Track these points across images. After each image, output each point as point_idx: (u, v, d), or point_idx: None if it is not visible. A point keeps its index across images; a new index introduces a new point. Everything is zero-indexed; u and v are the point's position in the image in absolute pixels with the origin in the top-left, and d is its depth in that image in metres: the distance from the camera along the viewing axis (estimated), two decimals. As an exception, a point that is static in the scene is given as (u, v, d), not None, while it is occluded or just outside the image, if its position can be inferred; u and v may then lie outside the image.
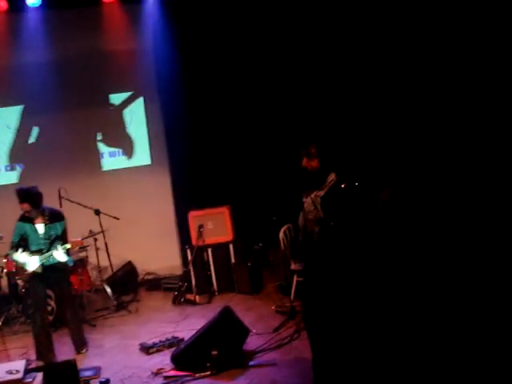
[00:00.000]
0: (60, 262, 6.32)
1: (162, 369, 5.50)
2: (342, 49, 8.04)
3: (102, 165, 9.85)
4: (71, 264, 6.66)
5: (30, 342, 7.04)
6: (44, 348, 6.23)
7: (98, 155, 9.82)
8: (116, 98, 9.88)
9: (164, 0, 9.29)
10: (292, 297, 7.08)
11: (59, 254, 6.23)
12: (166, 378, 5.38)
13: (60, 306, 6.76)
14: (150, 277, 9.56)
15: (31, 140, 9.59)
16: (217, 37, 8.99)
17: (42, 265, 6.27)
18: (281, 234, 7.23)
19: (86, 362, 6.03)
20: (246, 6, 8.70)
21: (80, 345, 6.57)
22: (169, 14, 9.28)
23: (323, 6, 8.05)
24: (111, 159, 9.92)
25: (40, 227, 6.36)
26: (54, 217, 6.41)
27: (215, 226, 8.31)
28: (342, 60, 8.05)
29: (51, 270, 6.32)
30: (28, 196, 6.25)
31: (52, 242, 6.30)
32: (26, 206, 6.25)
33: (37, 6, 8.95)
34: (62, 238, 6.38)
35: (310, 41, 8.35)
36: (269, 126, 8.71)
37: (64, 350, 6.55)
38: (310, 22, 8.24)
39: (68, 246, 6.27)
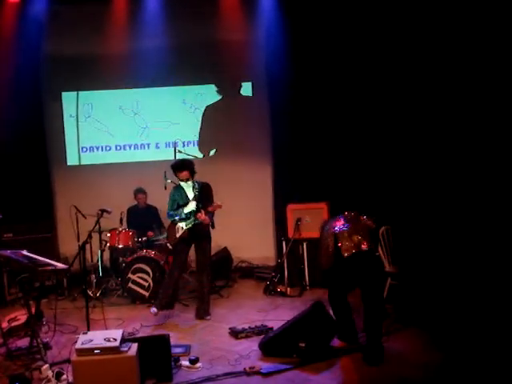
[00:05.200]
0: (201, 230, 7.06)
1: (253, 367, 5.37)
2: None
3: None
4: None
5: (125, 315, 7.39)
6: (167, 298, 7.10)
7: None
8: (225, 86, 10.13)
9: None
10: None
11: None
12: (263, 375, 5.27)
13: (198, 271, 7.26)
14: (243, 265, 9.74)
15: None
16: (327, 33, 8.96)
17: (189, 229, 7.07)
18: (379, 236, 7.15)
19: (178, 340, 6.20)
20: (359, 5, 8.63)
21: (203, 312, 7.09)
22: (283, 8, 9.35)
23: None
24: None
25: (190, 195, 7.13)
26: (202, 187, 7.18)
27: (313, 220, 8.27)
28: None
29: (196, 236, 7.10)
30: (189, 165, 7.09)
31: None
32: (186, 174, 7.02)
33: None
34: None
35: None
36: (373, 122, 8.57)
37: (155, 325, 6.85)
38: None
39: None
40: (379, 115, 8.50)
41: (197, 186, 7.14)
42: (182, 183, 7.14)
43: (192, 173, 7.09)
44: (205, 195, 7.13)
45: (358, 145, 8.76)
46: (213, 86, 10.10)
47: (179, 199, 7.18)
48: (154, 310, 6.98)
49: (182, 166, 7.06)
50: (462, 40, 6.62)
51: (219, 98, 10.11)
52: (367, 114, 8.68)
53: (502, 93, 5.42)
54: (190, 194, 7.13)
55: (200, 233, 7.11)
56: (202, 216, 6.93)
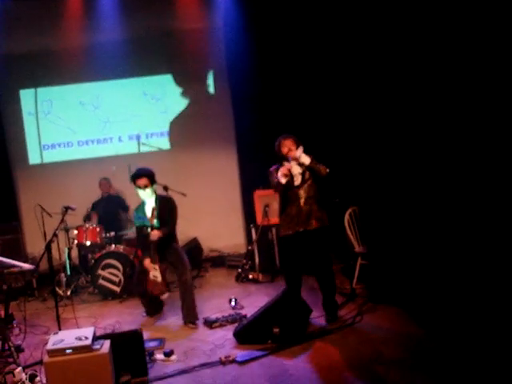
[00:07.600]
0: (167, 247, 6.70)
1: (229, 356, 5.34)
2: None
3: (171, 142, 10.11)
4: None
5: (97, 312, 7.33)
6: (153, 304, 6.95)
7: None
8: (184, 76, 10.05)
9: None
10: (355, 279, 7.06)
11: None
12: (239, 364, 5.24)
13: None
14: (214, 254, 9.74)
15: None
16: (287, 17, 8.89)
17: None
18: (346, 217, 7.20)
19: (151, 334, 6.18)
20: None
21: (191, 317, 6.56)
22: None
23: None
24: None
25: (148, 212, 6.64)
26: (161, 203, 6.72)
27: (280, 205, 8.30)
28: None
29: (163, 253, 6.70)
30: (147, 171, 6.71)
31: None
32: (144, 180, 6.60)
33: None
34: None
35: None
36: (333, 106, 8.56)
37: (128, 320, 6.80)
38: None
39: None
40: (338, 100, 8.50)
41: (157, 202, 6.71)
42: (144, 197, 6.71)
43: (152, 181, 6.69)
44: (163, 212, 6.67)
45: (323, 127, 8.74)
46: (171, 75, 10.03)
47: (142, 220, 6.77)
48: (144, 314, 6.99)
49: (139, 174, 6.68)
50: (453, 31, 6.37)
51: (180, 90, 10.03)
52: (327, 98, 8.67)
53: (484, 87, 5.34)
54: (149, 212, 6.59)
55: (166, 249, 6.73)
56: (154, 235, 6.51)
